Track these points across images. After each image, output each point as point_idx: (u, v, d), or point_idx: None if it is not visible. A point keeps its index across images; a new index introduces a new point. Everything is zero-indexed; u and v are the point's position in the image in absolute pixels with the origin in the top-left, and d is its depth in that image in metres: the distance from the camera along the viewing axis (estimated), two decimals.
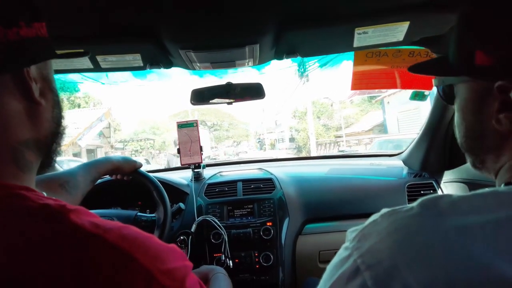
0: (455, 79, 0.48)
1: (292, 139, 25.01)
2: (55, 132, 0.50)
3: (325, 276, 0.39)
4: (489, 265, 0.29)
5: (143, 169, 1.14)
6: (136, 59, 0.98)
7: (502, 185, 0.41)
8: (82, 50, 0.90)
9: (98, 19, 0.81)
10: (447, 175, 1.45)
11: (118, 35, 0.87)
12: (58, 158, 0.53)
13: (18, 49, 0.40)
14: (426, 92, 1.32)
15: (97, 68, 1.01)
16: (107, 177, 1.12)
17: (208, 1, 0.74)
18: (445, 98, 0.53)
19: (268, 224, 1.29)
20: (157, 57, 0.99)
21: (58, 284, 0.34)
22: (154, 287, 0.36)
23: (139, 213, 1.18)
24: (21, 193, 0.39)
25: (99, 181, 1.29)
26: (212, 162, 2.30)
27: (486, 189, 0.35)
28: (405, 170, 1.54)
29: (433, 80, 0.54)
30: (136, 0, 0.73)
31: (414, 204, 0.36)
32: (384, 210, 0.38)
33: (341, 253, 0.38)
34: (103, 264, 0.35)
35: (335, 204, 1.40)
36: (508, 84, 0.38)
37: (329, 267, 0.39)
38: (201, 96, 1.26)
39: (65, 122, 0.52)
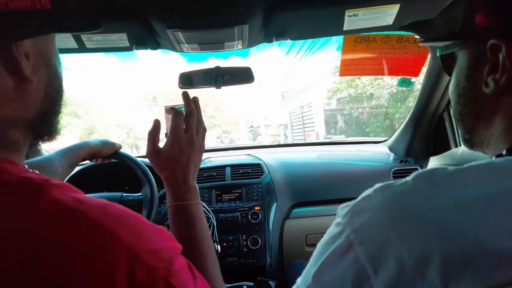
0: (456, 44, 0.48)
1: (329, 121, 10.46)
2: (48, 112, 0.45)
3: (315, 253, 0.39)
4: (484, 239, 0.29)
5: None
6: (122, 38, 0.95)
7: (494, 157, 0.41)
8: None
9: None
10: (432, 161, 1.48)
11: (103, 12, 0.84)
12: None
13: (4, 22, 0.36)
14: (413, 79, 1.33)
15: (82, 48, 0.97)
16: (89, 162, 1.10)
17: None
18: (445, 67, 0.54)
19: (256, 208, 1.30)
20: (144, 37, 0.96)
21: (37, 262, 0.31)
22: (138, 266, 0.34)
23: (124, 194, 1.16)
24: None
25: (83, 166, 1.28)
26: None
27: (481, 162, 0.35)
28: (391, 156, 1.57)
29: (437, 50, 0.54)
30: None
31: (408, 178, 0.36)
32: (377, 185, 0.37)
33: (332, 230, 0.38)
34: (84, 241, 0.33)
35: (322, 188, 1.41)
36: (499, 42, 0.38)
37: (320, 245, 0.38)
38: (188, 80, 1.23)
39: (63, 101, 0.48)
